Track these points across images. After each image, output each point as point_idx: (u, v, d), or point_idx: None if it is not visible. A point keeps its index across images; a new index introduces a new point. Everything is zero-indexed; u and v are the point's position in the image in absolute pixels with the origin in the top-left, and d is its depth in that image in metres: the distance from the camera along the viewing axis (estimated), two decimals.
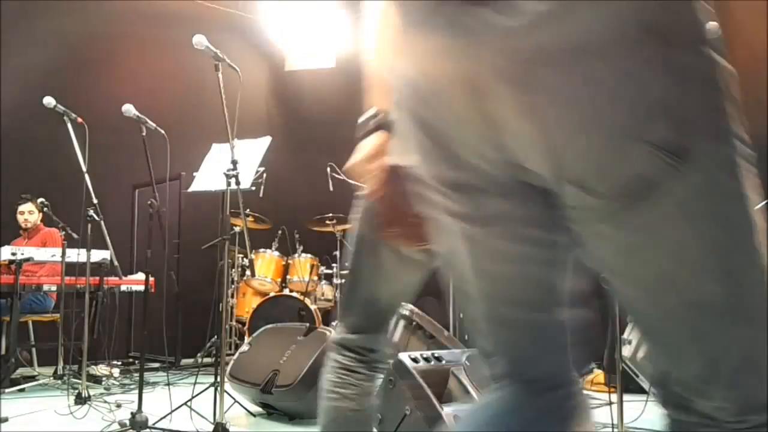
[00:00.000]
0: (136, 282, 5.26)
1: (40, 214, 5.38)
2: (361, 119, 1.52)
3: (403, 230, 1.43)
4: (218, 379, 3.15)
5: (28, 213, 5.32)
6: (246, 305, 6.05)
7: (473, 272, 0.91)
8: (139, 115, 3.46)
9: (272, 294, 5.87)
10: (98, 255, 4.46)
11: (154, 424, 3.14)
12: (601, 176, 0.73)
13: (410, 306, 4.24)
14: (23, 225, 5.32)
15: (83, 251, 4.12)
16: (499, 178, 0.80)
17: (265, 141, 4.08)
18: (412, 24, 0.79)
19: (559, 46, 0.69)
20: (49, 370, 4.91)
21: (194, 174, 4.25)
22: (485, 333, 0.97)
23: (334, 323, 6.09)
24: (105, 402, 3.90)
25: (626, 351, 3.41)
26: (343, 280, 6.15)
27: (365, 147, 1.47)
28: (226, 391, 3.15)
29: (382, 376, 1.78)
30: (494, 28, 0.71)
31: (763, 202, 2.87)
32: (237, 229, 5.83)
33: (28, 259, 4.49)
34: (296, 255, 6.13)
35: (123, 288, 5.23)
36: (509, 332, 0.95)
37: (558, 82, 0.70)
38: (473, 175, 0.81)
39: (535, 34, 0.69)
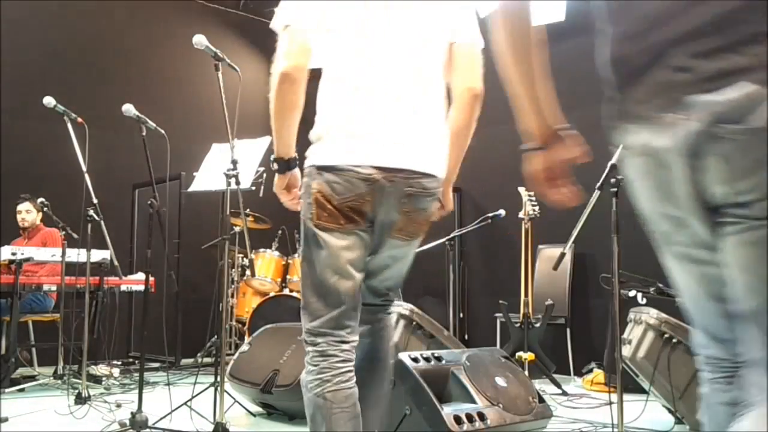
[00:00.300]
0: (136, 282, 5.26)
1: (40, 214, 5.38)
2: (271, 158, 2.05)
3: (329, 215, 1.87)
4: (218, 379, 3.15)
5: (26, 212, 5.32)
6: (246, 305, 6.05)
7: (684, 275, 1.33)
8: (139, 114, 3.46)
9: (272, 294, 5.86)
10: (98, 255, 4.46)
11: (154, 424, 3.14)
12: (755, 202, 1.11)
13: (410, 306, 4.24)
14: (21, 224, 5.33)
15: (83, 251, 4.12)
16: (695, 207, 1.20)
17: (265, 141, 4.08)
18: (643, 104, 1.20)
19: (746, 117, 1.07)
20: (49, 370, 4.91)
21: (194, 174, 4.25)
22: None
23: None
24: (105, 402, 3.90)
25: (626, 351, 3.41)
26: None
27: (276, 183, 2.06)
28: (226, 391, 3.15)
29: (354, 355, 1.91)
30: (707, 105, 1.10)
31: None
32: (237, 228, 5.81)
33: (28, 259, 4.49)
34: (296, 255, 6.12)
35: (123, 288, 5.23)
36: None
37: (742, 140, 1.09)
38: (680, 208, 1.23)
39: (735, 107, 1.08)
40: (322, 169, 1.89)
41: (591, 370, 5.05)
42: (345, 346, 1.88)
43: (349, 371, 1.86)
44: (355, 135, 1.91)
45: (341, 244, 1.88)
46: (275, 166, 2.03)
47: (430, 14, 2.00)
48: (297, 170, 2.04)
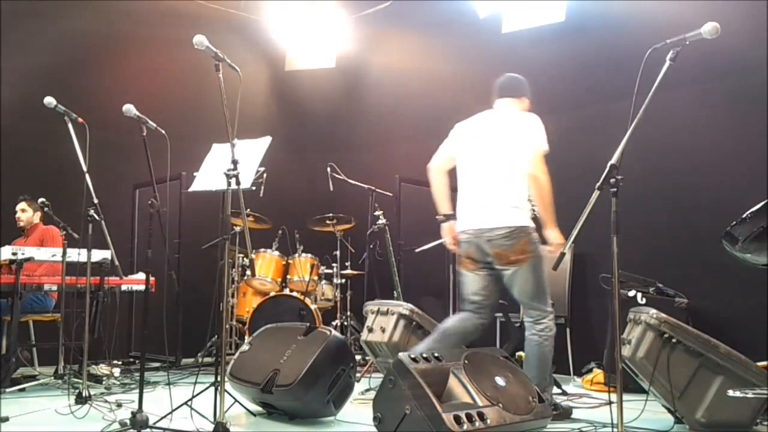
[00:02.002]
0: (136, 282, 5.27)
1: (38, 213, 5.39)
2: (438, 216, 3.81)
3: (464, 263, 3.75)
4: (218, 379, 3.15)
5: (21, 211, 5.36)
6: (246, 305, 6.06)
7: None
8: (140, 114, 3.46)
9: (272, 294, 5.87)
10: (99, 255, 4.46)
11: (154, 423, 3.14)
12: None
13: (410, 306, 4.24)
14: (17, 223, 5.35)
15: (84, 251, 4.12)
16: None
17: (266, 141, 4.09)
18: None
19: None
20: (49, 370, 4.91)
21: (195, 174, 4.25)
22: None
23: (334, 323, 6.10)
24: (105, 401, 3.90)
25: (626, 351, 3.41)
26: (343, 280, 6.15)
27: (446, 229, 3.80)
28: (226, 391, 3.15)
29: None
30: None
31: (763, 202, 2.94)
32: (237, 228, 5.84)
33: (28, 259, 4.49)
34: (296, 255, 6.13)
35: (123, 288, 5.23)
36: None
37: None
38: None
39: None
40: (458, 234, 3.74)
41: (591, 370, 5.06)
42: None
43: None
44: (461, 216, 3.72)
45: (468, 277, 3.76)
46: (441, 218, 3.79)
47: (504, 142, 3.63)
48: (453, 222, 3.76)
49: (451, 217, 3.76)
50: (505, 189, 3.58)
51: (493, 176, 3.61)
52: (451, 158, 3.83)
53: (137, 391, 3.22)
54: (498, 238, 3.54)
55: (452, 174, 3.87)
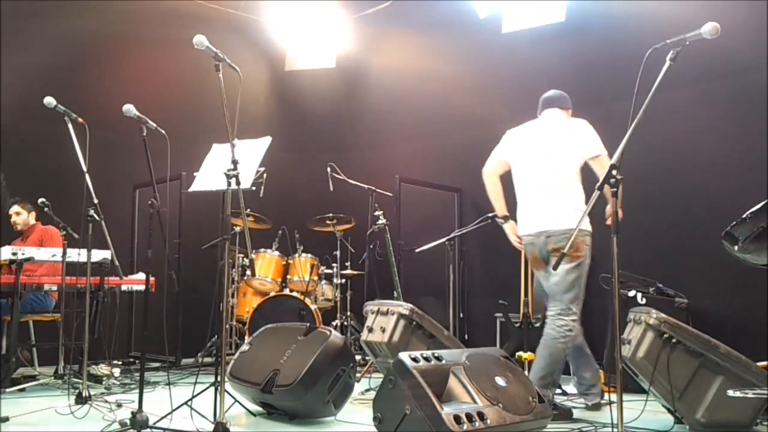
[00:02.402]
0: (136, 282, 5.27)
1: (33, 213, 5.40)
2: (498, 219, 4.06)
3: (534, 263, 3.98)
4: (218, 379, 3.15)
5: (15, 214, 5.37)
6: (246, 305, 6.06)
7: None
8: (140, 115, 3.46)
9: (272, 294, 5.87)
10: (99, 255, 4.46)
11: (154, 423, 3.14)
12: None
13: (410, 306, 4.24)
14: (14, 227, 5.35)
15: (84, 251, 4.12)
16: None
17: (266, 141, 4.08)
18: None
19: None
20: (49, 370, 4.91)
21: (195, 174, 4.25)
22: None
23: (334, 323, 6.10)
24: (105, 402, 3.90)
25: (626, 351, 3.41)
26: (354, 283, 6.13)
27: (508, 229, 4.03)
28: (226, 391, 3.15)
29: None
30: None
31: (763, 203, 2.93)
32: (237, 228, 5.84)
33: (29, 259, 4.49)
34: (296, 255, 6.13)
35: (124, 288, 5.23)
36: None
37: None
38: None
39: None
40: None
41: None
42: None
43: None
44: (522, 219, 3.93)
45: (543, 277, 3.94)
46: (501, 221, 4.05)
47: (563, 146, 3.80)
48: (512, 222, 3.99)
49: (508, 217, 4.01)
50: (565, 192, 3.77)
51: (552, 180, 3.81)
52: (503, 162, 4.03)
53: (137, 391, 3.21)
54: (557, 234, 3.74)
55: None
